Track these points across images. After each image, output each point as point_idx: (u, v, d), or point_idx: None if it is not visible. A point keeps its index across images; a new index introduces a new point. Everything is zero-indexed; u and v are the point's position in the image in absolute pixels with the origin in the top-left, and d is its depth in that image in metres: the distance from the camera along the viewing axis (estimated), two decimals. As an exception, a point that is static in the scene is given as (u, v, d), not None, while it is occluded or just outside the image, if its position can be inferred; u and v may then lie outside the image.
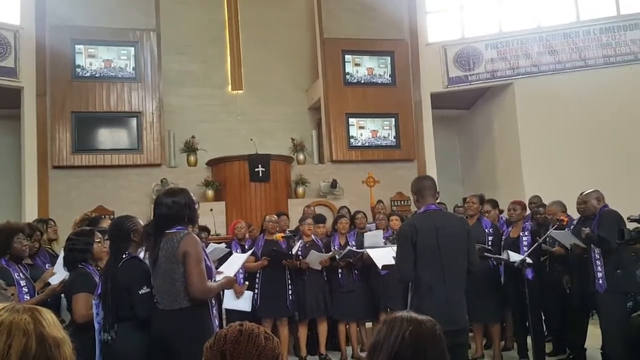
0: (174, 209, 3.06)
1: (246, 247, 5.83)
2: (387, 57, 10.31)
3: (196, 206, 3.21)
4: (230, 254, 5.22)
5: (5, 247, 3.83)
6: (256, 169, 8.81)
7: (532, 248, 5.02)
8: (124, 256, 3.13)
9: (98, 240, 3.50)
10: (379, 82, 10.28)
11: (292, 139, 10.07)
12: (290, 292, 5.69)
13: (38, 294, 3.74)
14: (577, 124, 9.59)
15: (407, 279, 3.38)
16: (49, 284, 3.92)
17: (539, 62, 10.13)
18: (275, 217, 6.09)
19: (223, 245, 5.90)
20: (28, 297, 3.65)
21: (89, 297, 3.18)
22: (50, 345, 1.15)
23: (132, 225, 3.22)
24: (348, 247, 5.80)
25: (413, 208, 9.01)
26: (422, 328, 1.51)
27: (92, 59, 9.04)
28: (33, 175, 8.57)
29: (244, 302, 5.58)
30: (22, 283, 3.81)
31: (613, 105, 9.49)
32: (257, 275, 5.78)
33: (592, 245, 4.61)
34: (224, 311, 5.48)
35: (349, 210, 7.96)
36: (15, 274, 3.79)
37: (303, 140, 10.14)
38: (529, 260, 4.85)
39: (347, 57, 10.14)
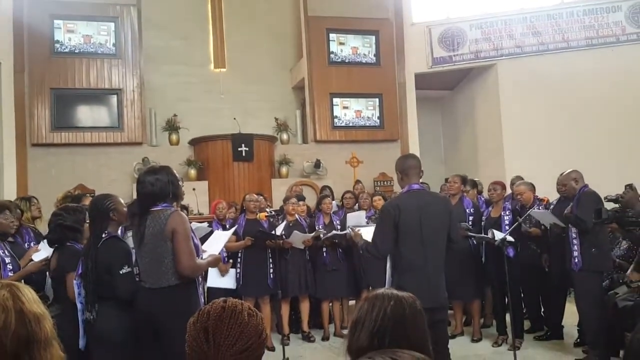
0: (157, 186, 3.03)
1: (227, 226, 5.82)
2: (371, 37, 10.25)
3: (180, 183, 3.19)
4: (212, 233, 5.21)
5: None
6: (239, 149, 8.76)
7: (512, 227, 5.09)
8: (103, 235, 3.10)
9: (88, 220, 3.47)
10: (364, 61, 10.23)
11: (276, 119, 10.02)
12: (271, 270, 5.71)
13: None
14: (559, 105, 9.69)
15: (384, 254, 3.43)
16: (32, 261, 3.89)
17: (522, 43, 10.17)
18: (256, 196, 6.08)
19: (206, 224, 5.89)
20: (12, 274, 3.62)
21: None
22: (30, 320, 1.15)
23: (111, 204, 3.19)
24: (333, 231, 5.83)
25: (396, 188, 9.07)
26: (403, 303, 1.52)
27: (71, 34, 8.84)
28: (11, 153, 8.42)
29: (228, 280, 5.61)
30: (7, 260, 3.78)
31: (595, 87, 9.58)
32: (239, 254, 5.78)
33: (569, 225, 4.69)
34: (205, 289, 5.48)
35: (331, 190, 7.99)
36: (0, 251, 3.76)
37: (287, 120, 10.10)
38: (509, 238, 4.93)
39: (332, 35, 10.07)
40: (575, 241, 4.62)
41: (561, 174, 4.97)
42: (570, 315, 5.51)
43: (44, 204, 5.09)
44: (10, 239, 4.15)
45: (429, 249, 3.35)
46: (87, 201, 4.56)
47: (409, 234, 3.33)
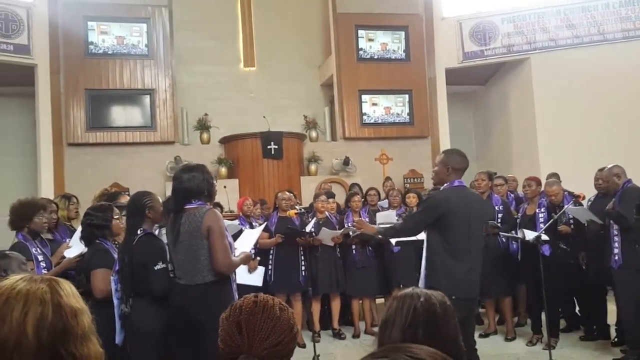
0: (193, 182, 3.08)
1: (253, 224, 5.84)
2: (401, 32, 10.15)
3: (213, 181, 3.23)
4: (241, 231, 5.25)
5: (25, 221, 3.91)
6: (269, 147, 8.79)
7: (547, 224, 4.98)
8: (138, 232, 3.16)
9: (117, 216, 3.53)
10: (393, 57, 10.14)
11: (305, 117, 10.02)
12: (303, 268, 5.73)
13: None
14: (594, 100, 9.42)
15: (408, 235, 3.74)
16: (64, 257, 3.98)
17: (556, 37, 9.92)
18: (288, 194, 6.10)
19: (236, 222, 5.93)
20: (45, 272, 3.71)
21: (107, 272, 3.22)
22: (66, 314, 1.16)
23: (148, 201, 3.25)
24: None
25: (427, 185, 8.98)
26: (433, 300, 1.52)
27: (104, 36, 9.01)
28: (48, 153, 8.63)
29: (256, 277, 5.64)
30: (40, 258, 3.88)
31: (632, 80, 9.28)
32: (271, 251, 5.82)
33: (611, 222, 4.56)
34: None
35: (360, 187, 7.96)
36: (33, 249, 3.86)
37: (316, 118, 10.09)
38: (544, 236, 4.83)
39: (361, 32, 10.00)
40: (616, 238, 4.50)
41: (601, 170, 4.84)
42: (608, 314, 5.37)
43: (80, 202, 5.20)
44: (49, 236, 4.26)
45: (473, 243, 3.49)
46: (123, 199, 4.65)
47: (458, 227, 3.44)
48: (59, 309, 1.15)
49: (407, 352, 0.75)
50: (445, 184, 3.59)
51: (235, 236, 4.87)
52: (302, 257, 5.74)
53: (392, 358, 0.74)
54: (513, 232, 5.41)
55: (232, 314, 1.44)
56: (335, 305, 6.03)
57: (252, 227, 5.63)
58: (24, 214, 3.94)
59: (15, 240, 3.94)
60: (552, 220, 4.97)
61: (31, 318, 1.12)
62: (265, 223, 5.66)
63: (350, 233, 5.78)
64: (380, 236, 5.30)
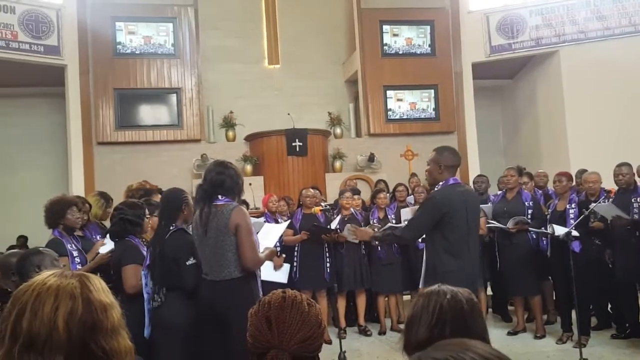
0: (225, 175, 3.12)
1: (279, 220, 5.86)
2: (426, 27, 10.05)
3: (242, 179, 3.29)
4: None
5: (59, 218, 4.02)
6: (293, 144, 8.82)
7: (577, 220, 4.88)
8: (171, 228, 3.21)
9: (147, 215, 3.59)
10: (418, 52, 10.05)
11: (329, 113, 10.01)
12: (328, 264, 5.73)
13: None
14: (626, 93, 9.18)
15: (411, 241, 3.73)
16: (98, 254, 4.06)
17: (586, 29, 9.69)
18: (312, 191, 6.11)
19: (262, 219, 5.97)
20: (79, 267, 3.80)
21: (138, 268, 3.27)
22: (96, 309, 1.18)
23: (185, 197, 3.31)
24: (388, 224, 5.78)
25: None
26: (460, 297, 1.50)
27: (132, 36, 9.15)
28: (79, 151, 8.82)
29: (280, 274, 5.66)
30: (75, 254, 3.98)
31: (665, 73, 9.02)
32: (296, 248, 5.84)
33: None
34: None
35: (386, 183, 7.92)
36: (68, 245, 3.96)
37: (340, 114, 10.07)
38: (574, 232, 4.73)
39: (385, 27, 9.94)
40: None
41: (619, 165, 4.75)
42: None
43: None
44: (79, 233, 4.36)
45: (471, 238, 3.51)
46: (156, 197, 4.69)
47: (459, 225, 3.43)
48: (89, 303, 1.18)
49: (470, 350, 0.71)
50: (440, 183, 3.55)
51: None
52: (327, 254, 5.74)
53: (456, 356, 0.71)
54: (543, 228, 5.32)
55: (261, 309, 1.45)
56: (361, 302, 6.02)
57: (277, 223, 5.66)
58: (56, 212, 4.05)
59: (51, 237, 4.06)
60: (582, 216, 4.87)
61: (62, 312, 1.15)
62: (290, 220, 5.68)
63: (375, 230, 5.75)
64: (376, 242, 5.35)
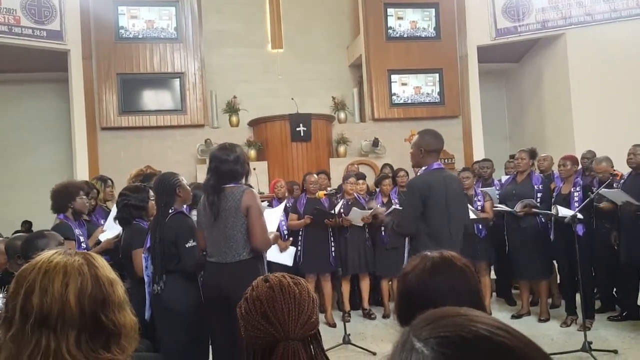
0: (232, 162, 3.11)
1: (287, 205, 5.87)
2: (431, 10, 9.95)
3: (248, 162, 3.30)
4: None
5: (69, 202, 4.03)
6: (297, 129, 8.79)
7: (583, 204, 4.86)
8: (170, 211, 3.21)
9: (152, 198, 3.60)
10: (423, 35, 9.96)
11: (333, 98, 9.96)
12: (332, 249, 5.74)
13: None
14: (632, 76, 9.08)
15: (409, 232, 3.64)
16: (99, 241, 4.09)
17: (592, 11, 9.56)
18: (315, 177, 6.10)
19: (266, 203, 5.97)
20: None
21: None
22: (104, 283, 1.22)
23: (177, 180, 3.30)
24: (393, 206, 5.78)
25: (457, 166, 8.85)
26: (450, 256, 1.52)
27: (134, 20, 9.09)
28: (83, 137, 8.81)
29: (286, 257, 5.68)
30: (82, 239, 3.99)
31: (674, 55, 8.91)
32: (300, 232, 5.85)
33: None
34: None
35: (392, 167, 7.90)
36: (76, 230, 3.98)
37: (344, 99, 10.01)
38: (579, 215, 4.72)
39: (390, 10, 9.83)
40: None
41: (636, 145, 4.69)
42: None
43: (115, 185, 5.31)
44: (86, 217, 4.38)
45: (453, 224, 3.53)
46: (157, 181, 4.71)
47: (438, 210, 3.47)
48: (97, 279, 1.21)
49: (479, 322, 0.63)
50: (423, 167, 3.60)
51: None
52: (332, 238, 5.75)
53: (468, 331, 0.62)
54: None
55: (253, 307, 1.39)
56: (365, 286, 6.04)
57: (285, 209, 5.65)
58: (66, 195, 4.05)
59: (57, 221, 4.06)
60: (587, 200, 4.85)
61: (72, 288, 1.17)
62: (284, 203, 5.68)
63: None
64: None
